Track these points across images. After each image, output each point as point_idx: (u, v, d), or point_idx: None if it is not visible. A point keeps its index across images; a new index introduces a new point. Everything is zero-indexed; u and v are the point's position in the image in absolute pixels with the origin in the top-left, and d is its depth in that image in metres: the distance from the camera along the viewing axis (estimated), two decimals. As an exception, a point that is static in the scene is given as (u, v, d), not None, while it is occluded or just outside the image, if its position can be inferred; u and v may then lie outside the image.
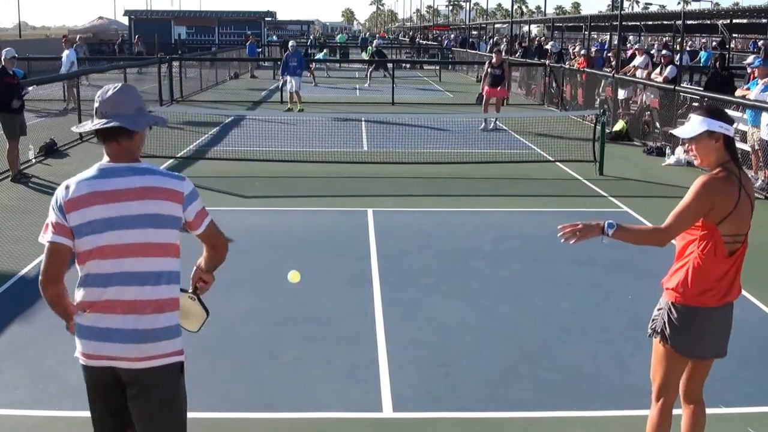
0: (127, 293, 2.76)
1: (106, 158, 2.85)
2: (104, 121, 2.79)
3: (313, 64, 28.65)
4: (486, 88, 16.19)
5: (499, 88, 16.14)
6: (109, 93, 2.83)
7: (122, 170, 2.81)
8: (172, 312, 2.87)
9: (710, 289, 3.35)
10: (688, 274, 3.34)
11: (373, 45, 32.03)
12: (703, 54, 28.55)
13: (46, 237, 2.78)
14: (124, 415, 2.85)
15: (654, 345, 3.52)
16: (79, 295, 2.81)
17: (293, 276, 3.62)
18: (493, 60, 16.26)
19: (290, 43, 20.61)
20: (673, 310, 3.39)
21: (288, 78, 18.91)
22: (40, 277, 2.80)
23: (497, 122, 15.80)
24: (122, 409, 2.84)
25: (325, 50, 39.44)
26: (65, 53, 19.29)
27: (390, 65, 26.35)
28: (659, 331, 3.44)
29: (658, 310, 3.48)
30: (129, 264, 2.77)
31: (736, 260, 3.41)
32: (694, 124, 3.31)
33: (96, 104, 2.84)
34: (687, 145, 3.40)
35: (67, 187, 2.78)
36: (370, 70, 28.33)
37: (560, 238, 3.28)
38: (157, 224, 2.79)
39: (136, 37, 36.54)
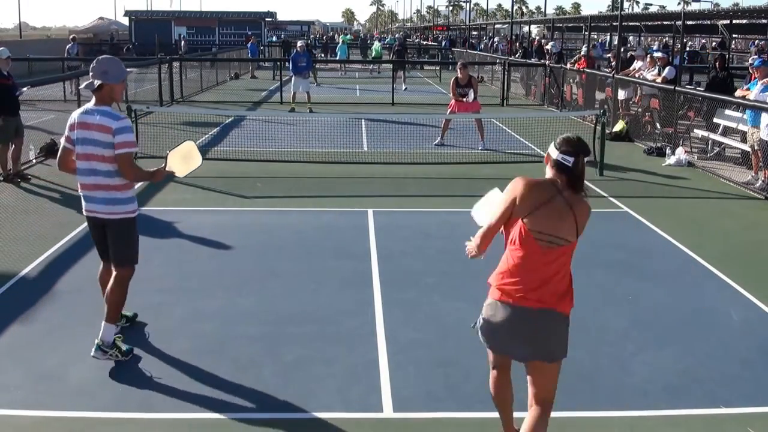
0: (87, 179, 4.93)
1: (93, 100, 4.92)
2: (87, 83, 4.91)
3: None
4: (453, 102, 13.98)
5: (470, 103, 13.75)
6: (93, 64, 4.91)
7: (92, 111, 4.88)
8: (112, 191, 4.90)
9: (514, 282, 3.51)
10: (500, 266, 3.62)
11: (379, 42, 31.26)
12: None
13: (61, 141, 5.06)
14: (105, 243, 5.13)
15: None
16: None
17: None
18: (459, 76, 13.72)
19: (299, 44, 20.48)
20: (487, 300, 3.68)
21: (296, 78, 18.92)
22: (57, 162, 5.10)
23: (485, 143, 13.78)
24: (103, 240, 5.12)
25: (342, 44, 36.83)
26: None
27: (390, 66, 26.26)
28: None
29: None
30: (88, 164, 4.88)
31: (555, 260, 3.49)
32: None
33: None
34: None
35: (73, 117, 4.94)
36: (398, 71, 25.87)
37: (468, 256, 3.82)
38: (100, 145, 4.83)
39: (183, 37, 36.26)
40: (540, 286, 3.49)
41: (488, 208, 3.80)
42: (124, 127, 4.82)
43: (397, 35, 38.15)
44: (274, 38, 55.29)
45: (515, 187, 3.54)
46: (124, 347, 5.04)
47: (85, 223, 5.38)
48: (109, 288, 5.01)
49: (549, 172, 3.61)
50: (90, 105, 4.92)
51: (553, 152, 3.57)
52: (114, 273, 5.03)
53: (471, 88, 13.70)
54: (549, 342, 3.57)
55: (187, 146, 5.19)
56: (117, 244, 5.01)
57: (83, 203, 5.07)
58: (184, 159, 5.15)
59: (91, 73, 4.86)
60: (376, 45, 35.12)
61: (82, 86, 5.03)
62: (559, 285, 3.53)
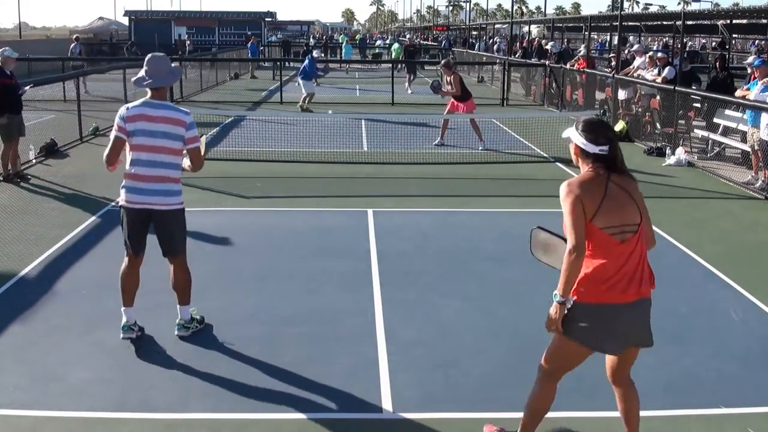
0: (148, 171, 5.03)
1: (149, 95, 5.12)
2: (150, 81, 5.09)
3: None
4: (451, 100, 14.13)
5: (464, 103, 13.84)
6: (151, 60, 5.14)
7: (156, 105, 5.09)
8: (171, 183, 5.10)
9: (610, 282, 3.48)
10: (586, 273, 3.51)
11: (399, 44, 30.88)
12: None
13: (113, 133, 5.07)
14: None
15: (557, 336, 3.64)
16: (128, 167, 5.08)
17: None
18: (444, 76, 14.03)
19: (315, 53, 20.53)
20: (578, 307, 3.53)
21: (307, 82, 19.23)
22: (104, 155, 5.10)
23: (485, 143, 13.55)
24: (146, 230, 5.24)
25: (347, 44, 37.62)
26: None
27: (389, 65, 26.19)
28: (567, 327, 3.57)
29: (567, 309, 3.57)
30: (152, 156, 5.02)
31: (633, 249, 3.51)
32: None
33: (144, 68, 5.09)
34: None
35: (128, 108, 5.08)
36: (408, 77, 26.07)
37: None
38: (169, 137, 5.04)
39: (187, 36, 36.24)
40: (631, 279, 3.51)
41: (545, 249, 3.77)
42: (194, 122, 5.15)
43: (408, 35, 38.19)
44: (274, 38, 55.32)
45: (572, 192, 3.48)
46: (198, 317, 5.53)
47: (86, 223, 5.39)
48: (175, 276, 5.33)
49: (586, 164, 3.60)
50: (147, 98, 5.12)
51: (586, 145, 3.55)
52: (172, 264, 5.32)
53: (455, 84, 13.69)
54: (645, 329, 3.63)
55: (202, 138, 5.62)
56: (174, 234, 5.23)
57: (127, 194, 5.10)
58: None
59: (151, 72, 5.06)
60: (396, 46, 35.29)
61: (144, 84, 5.11)
62: (645, 271, 3.56)
